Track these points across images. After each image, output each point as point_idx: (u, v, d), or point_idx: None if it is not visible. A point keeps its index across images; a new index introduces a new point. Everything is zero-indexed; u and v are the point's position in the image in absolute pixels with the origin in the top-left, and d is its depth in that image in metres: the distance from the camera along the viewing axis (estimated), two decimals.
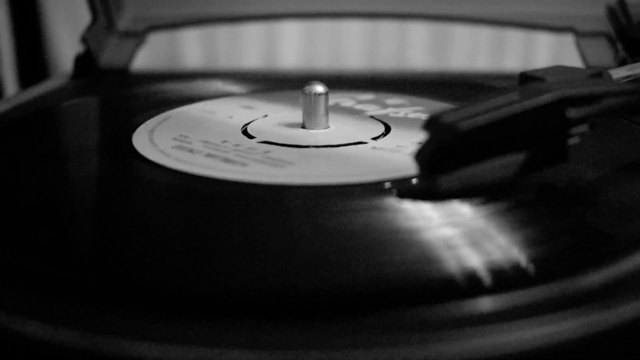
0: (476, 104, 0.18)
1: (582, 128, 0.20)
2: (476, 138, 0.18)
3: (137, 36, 0.44)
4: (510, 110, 0.18)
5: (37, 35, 0.59)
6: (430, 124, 0.18)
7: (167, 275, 0.16)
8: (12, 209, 0.20)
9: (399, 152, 0.23)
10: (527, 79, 0.21)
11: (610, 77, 0.22)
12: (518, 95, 0.19)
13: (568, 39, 0.42)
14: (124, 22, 0.45)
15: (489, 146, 0.19)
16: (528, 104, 0.18)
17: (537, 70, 0.22)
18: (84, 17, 0.43)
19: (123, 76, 0.42)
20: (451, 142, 0.18)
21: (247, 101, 0.31)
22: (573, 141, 0.20)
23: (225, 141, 0.24)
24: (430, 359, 0.13)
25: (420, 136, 0.19)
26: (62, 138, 0.28)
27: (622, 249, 0.17)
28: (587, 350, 0.14)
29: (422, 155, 0.18)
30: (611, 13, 0.38)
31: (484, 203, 0.18)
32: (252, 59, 0.60)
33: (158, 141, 0.24)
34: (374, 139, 0.25)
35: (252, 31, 0.60)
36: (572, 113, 0.19)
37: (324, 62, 0.60)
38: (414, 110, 0.29)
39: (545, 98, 0.19)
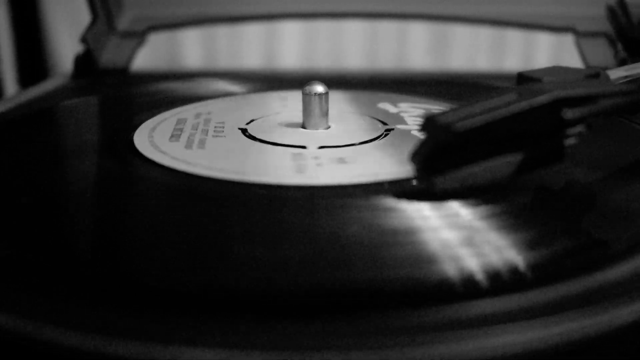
0: (473, 104, 0.18)
1: (579, 128, 0.20)
2: (473, 139, 0.18)
3: (137, 36, 0.44)
4: (507, 111, 0.18)
5: (37, 35, 0.59)
6: (427, 125, 0.18)
7: (166, 275, 0.16)
8: (12, 208, 0.20)
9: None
10: (524, 80, 0.21)
11: (607, 77, 0.22)
12: (514, 96, 0.19)
13: (568, 39, 0.42)
14: (124, 22, 0.45)
15: (486, 147, 0.19)
16: (524, 104, 0.18)
17: (535, 71, 0.22)
18: (84, 17, 0.43)
19: (123, 76, 0.42)
20: (448, 142, 0.18)
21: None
22: (569, 142, 0.20)
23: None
24: None
25: (419, 136, 0.19)
26: (62, 138, 0.28)
27: (621, 251, 0.17)
28: (585, 354, 0.14)
29: (419, 156, 0.18)
30: (611, 13, 0.38)
31: (480, 204, 0.19)
32: (252, 59, 0.60)
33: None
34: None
35: (252, 31, 0.60)
36: (569, 114, 0.19)
37: (324, 62, 0.60)
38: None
39: (542, 99, 0.19)
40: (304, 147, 0.24)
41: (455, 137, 0.18)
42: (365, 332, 0.13)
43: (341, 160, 0.22)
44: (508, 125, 0.18)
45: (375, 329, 0.14)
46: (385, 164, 0.22)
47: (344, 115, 0.28)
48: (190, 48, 0.60)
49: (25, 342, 0.14)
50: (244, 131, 0.26)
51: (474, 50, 0.60)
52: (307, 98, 0.26)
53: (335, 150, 0.23)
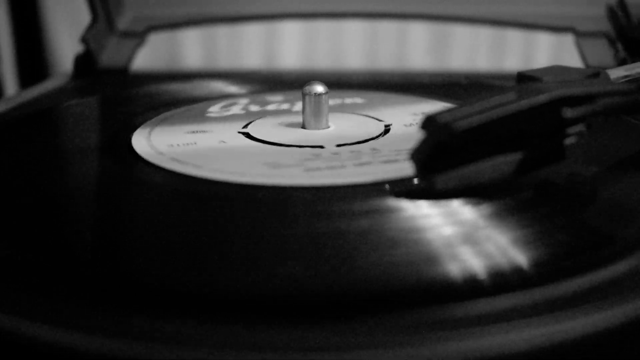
0: (473, 103, 0.18)
1: (579, 128, 0.20)
2: (473, 137, 0.18)
3: (137, 36, 0.44)
4: (507, 110, 0.18)
5: (37, 35, 0.59)
6: (427, 123, 0.18)
7: (166, 276, 0.16)
8: (12, 208, 0.20)
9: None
10: (524, 79, 0.21)
11: (607, 77, 0.22)
12: (514, 95, 0.19)
13: (568, 39, 0.42)
14: (124, 22, 0.45)
15: (486, 146, 0.19)
16: (524, 103, 0.18)
17: (535, 70, 0.22)
18: (84, 17, 0.43)
19: (123, 76, 0.42)
20: (448, 141, 0.18)
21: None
22: (570, 141, 0.20)
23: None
24: None
25: (417, 136, 0.19)
26: (62, 138, 0.28)
27: (622, 249, 0.17)
28: (585, 352, 0.14)
29: (419, 155, 0.18)
30: (611, 13, 0.38)
31: (480, 203, 0.18)
32: (252, 59, 0.60)
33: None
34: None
35: (252, 31, 0.60)
36: (568, 113, 0.19)
37: (324, 62, 0.60)
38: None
39: (541, 98, 0.19)
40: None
41: (455, 136, 0.18)
42: (367, 332, 0.13)
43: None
44: (508, 124, 0.18)
45: (377, 329, 0.14)
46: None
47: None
48: (190, 48, 0.60)
49: (24, 342, 0.14)
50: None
51: (474, 50, 0.60)
52: (307, 98, 0.26)
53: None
